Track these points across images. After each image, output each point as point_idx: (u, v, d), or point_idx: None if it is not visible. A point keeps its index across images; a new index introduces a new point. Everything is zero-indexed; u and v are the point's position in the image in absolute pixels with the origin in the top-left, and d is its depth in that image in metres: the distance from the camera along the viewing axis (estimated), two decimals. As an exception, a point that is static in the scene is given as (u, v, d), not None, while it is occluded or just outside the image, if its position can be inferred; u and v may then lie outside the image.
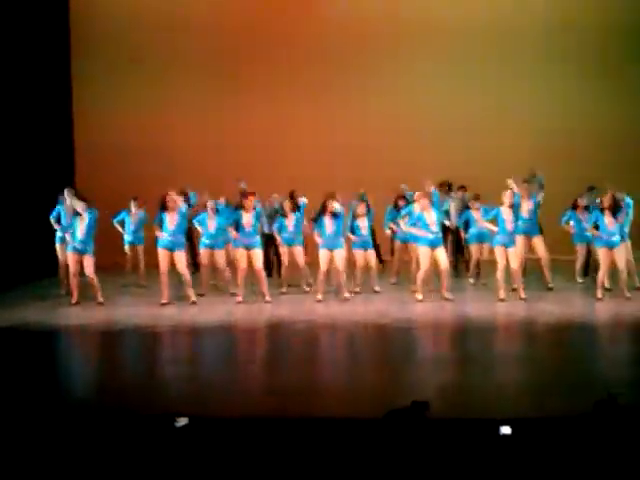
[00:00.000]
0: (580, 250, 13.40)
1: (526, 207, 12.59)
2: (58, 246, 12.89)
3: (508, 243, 12.06)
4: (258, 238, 12.37)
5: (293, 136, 16.85)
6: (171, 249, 11.99)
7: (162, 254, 12.00)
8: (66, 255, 12.40)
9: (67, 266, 12.44)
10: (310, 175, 15.46)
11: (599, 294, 11.95)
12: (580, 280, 13.50)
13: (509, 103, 16.80)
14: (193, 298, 12.12)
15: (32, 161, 15.00)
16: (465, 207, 13.46)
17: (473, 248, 13.49)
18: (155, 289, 12.84)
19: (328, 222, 12.24)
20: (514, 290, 12.27)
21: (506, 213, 12.06)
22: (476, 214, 13.06)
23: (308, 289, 13.06)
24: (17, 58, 14.71)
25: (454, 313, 11.50)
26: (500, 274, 12.06)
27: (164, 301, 12.07)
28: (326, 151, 16.68)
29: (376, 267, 13.20)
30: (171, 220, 11.97)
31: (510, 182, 12.14)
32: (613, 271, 12.21)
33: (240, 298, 12.19)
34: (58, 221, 12.84)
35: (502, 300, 11.98)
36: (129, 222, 13.70)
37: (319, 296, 12.24)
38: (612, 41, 16.55)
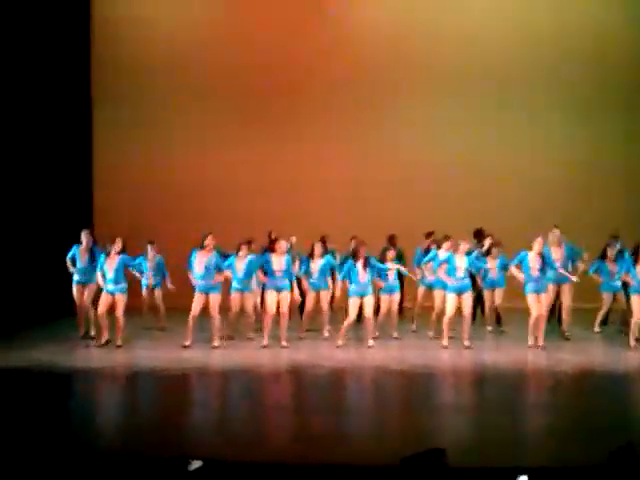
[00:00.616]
0: (607, 299, 13.29)
1: (558, 255, 12.56)
2: (75, 287, 12.91)
3: (540, 289, 12.03)
4: (288, 282, 12.38)
5: (317, 177, 16.84)
6: (206, 292, 12.03)
7: (197, 297, 12.07)
8: (82, 296, 12.61)
9: (83, 306, 12.68)
10: (324, 217, 15.68)
11: (633, 342, 11.90)
12: (598, 329, 13.39)
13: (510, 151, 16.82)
14: (216, 343, 12.11)
15: (51, 200, 15.12)
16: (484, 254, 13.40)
17: (486, 295, 13.41)
18: (174, 332, 12.91)
19: (361, 269, 12.20)
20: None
21: (534, 260, 12.03)
22: (490, 262, 13.04)
23: (328, 335, 13.00)
24: (40, 97, 14.91)
25: (473, 360, 11.44)
26: (531, 322, 12.03)
27: (187, 343, 12.11)
28: (348, 189, 16.73)
29: (397, 313, 13.17)
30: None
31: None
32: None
33: (266, 342, 12.21)
34: (73, 263, 12.87)
35: (531, 347, 12.02)
36: (146, 266, 13.72)
37: (340, 342, 12.19)
38: (595, 90, 16.61)
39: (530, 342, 12.08)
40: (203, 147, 16.99)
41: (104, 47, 16.71)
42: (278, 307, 12.21)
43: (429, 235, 13.83)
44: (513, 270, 12.24)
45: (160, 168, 16.85)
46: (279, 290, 12.21)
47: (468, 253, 12.52)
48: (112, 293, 12.07)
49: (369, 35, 16.90)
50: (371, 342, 12.26)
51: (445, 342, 12.14)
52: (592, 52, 16.57)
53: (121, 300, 12.08)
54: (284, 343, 12.24)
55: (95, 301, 12.63)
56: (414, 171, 16.65)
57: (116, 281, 12.05)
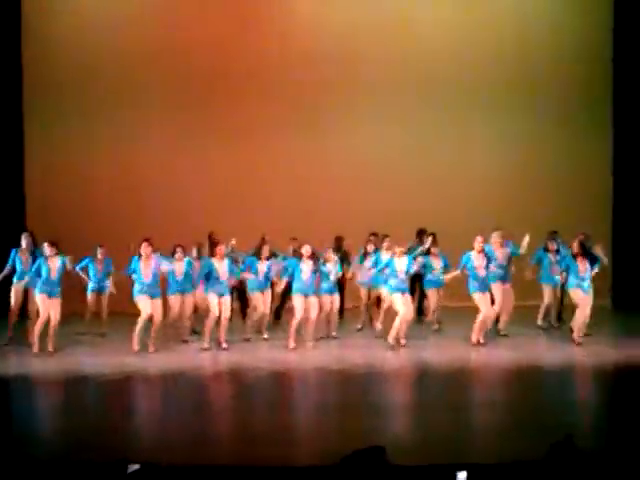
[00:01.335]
0: (547, 292, 13.35)
1: (501, 255, 12.68)
2: (14, 290, 12.65)
3: (485, 289, 12.15)
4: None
5: (262, 179, 16.69)
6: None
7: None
8: (19, 299, 12.43)
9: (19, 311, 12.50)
10: (280, 220, 15.46)
11: (577, 337, 12.07)
12: (540, 323, 13.50)
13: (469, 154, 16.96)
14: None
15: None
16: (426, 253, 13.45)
17: (430, 294, 13.48)
18: (114, 337, 12.79)
19: (305, 269, 12.20)
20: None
21: (478, 259, 12.15)
22: (434, 261, 13.14)
23: (267, 336, 12.99)
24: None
25: (414, 359, 11.51)
26: (479, 319, 12.10)
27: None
28: (297, 196, 16.56)
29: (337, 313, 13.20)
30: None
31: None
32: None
33: (207, 345, 12.16)
34: (14, 267, 12.62)
35: (476, 345, 12.07)
36: (94, 269, 13.52)
37: (292, 344, 12.13)
38: (568, 91, 16.79)
39: (474, 340, 12.14)
40: (144, 145, 16.54)
41: (36, 44, 16.21)
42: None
43: (372, 235, 13.84)
44: (454, 274, 12.34)
45: (97, 167, 16.43)
46: (221, 295, 12.15)
47: (410, 251, 12.61)
48: (49, 296, 11.85)
49: (320, 32, 16.75)
50: (310, 343, 12.24)
51: (403, 341, 12.20)
52: (537, 53, 16.77)
53: (57, 304, 11.89)
54: (224, 345, 12.17)
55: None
56: (362, 170, 16.60)
57: (55, 284, 11.88)
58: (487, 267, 12.20)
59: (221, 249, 12.28)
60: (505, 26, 16.83)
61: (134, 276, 11.99)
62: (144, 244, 11.95)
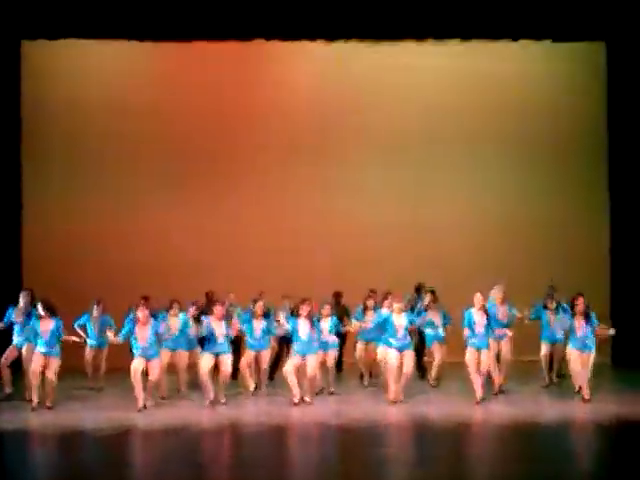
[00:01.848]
0: (544, 349, 13.35)
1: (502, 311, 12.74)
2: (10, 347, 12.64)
3: (481, 345, 12.10)
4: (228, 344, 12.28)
5: (255, 234, 16.82)
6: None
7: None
8: (9, 356, 12.50)
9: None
10: (274, 275, 15.61)
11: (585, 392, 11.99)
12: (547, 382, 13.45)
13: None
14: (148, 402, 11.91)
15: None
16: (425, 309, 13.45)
17: (434, 348, 13.44)
18: (111, 392, 12.77)
19: (303, 327, 12.14)
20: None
21: (478, 316, 12.14)
22: (434, 317, 13.14)
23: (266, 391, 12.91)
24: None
25: (413, 414, 11.42)
26: (474, 375, 12.05)
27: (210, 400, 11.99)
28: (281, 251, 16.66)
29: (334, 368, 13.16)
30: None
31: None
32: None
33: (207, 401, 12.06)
34: (10, 325, 12.61)
35: (480, 401, 11.96)
36: (91, 325, 13.51)
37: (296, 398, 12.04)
38: (565, 146, 17.07)
39: (478, 397, 12.00)
40: (139, 203, 16.79)
41: (35, 108, 16.44)
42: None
43: (371, 292, 13.84)
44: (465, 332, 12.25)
45: (93, 225, 16.60)
46: (218, 354, 12.06)
47: (412, 308, 12.61)
48: (45, 355, 11.86)
49: (315, 86, 17.10)
50: (307, 398, 12.13)
51: (391, 396, 12.06)
52: (517, 109, 17.10)
53: (54, 362, 11.87)
54: (223, 400, 12.10)
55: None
56: (357, 224, 16.81)
57: (50, 343, 11.85)
58: (488, 325, 12.16)
59: (219, 310, 12.21)
60: (504, 82, 17.18)
61: (131, 339, 11.92)
62: (140, 307, 11.92)
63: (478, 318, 12.11)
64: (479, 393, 11.97)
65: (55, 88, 16.78)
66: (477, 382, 12.00)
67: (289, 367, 12.06)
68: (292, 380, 11.98)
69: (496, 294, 12.71)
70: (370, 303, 13.43)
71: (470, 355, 12.07)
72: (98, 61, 16.79)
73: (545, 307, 13.31)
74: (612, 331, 12.31)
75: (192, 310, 13.11)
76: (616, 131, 16.73)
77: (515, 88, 17.13)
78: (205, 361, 12.03)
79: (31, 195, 16.44)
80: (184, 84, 16.90)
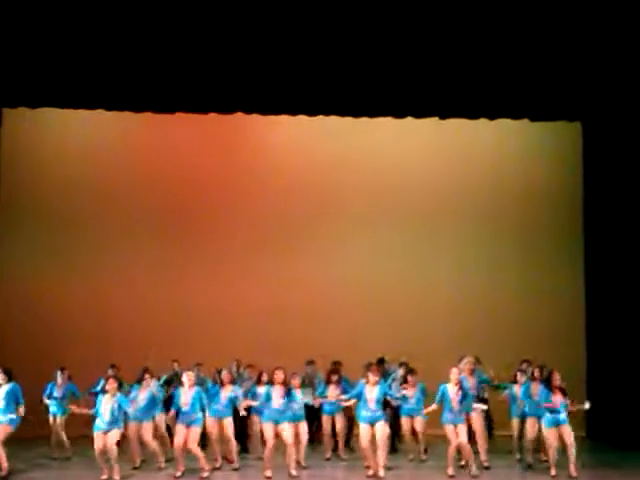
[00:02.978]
0: (515, 425, 13.10)
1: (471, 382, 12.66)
2: None
3: (457, 420, 11.95)
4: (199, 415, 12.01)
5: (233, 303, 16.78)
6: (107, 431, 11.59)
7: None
8: None
9: None
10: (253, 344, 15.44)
11: (553, 472, 11.84)
12: (518, 456, 13.20)
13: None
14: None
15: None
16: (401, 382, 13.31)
17: (405, 422, 13.22)
18: (78, 461, 12.53)
19: (276, 395, 11.94)
20: (462, 467, 12.16)
21: (453, 391, 12.01)
22: (409, 390, 12.99)
23: (238, 465, 12.61)
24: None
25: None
26: (450, 451, 11.91)
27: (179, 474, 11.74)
28: (263, 315, 16.64)
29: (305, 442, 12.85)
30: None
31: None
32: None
33: (179, 473, 11.80)
34: None
35: (451, 477, 11.78)
36: (55, 392, 13.28)
37: (268, 472, 11.75)
38: (538, 222, 17.33)
39: (450, 471, 11.87)
40: (114, 271, 16.76)
41: (14, 168, 16.49)
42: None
43: (334, 364, 13.79)
44: (432, 407, 12.13)
45: (68, 296, 16.51)
46: (189, 425, 11.80)
47: (386, 379, 12.55)
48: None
49: (302, 162, 17.30)
50: (294, 471, 11.89)
51: (370, 472, 11.80)
52: (495, 186, 17.41)
53: (4, 429, 11.64)
54: (205, 474, 11.77)
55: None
56: (334, 297, 16.87)
57: (4, 411, 11.66)
58: (462, 400, 12.03)
59: (189, 378, 11.99)
60: (481, 159, 17.53)
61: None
62: (110, 380, 11.73)
63: (453, 394, 11.99)
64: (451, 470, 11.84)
65: (36, 156, 16.87)
66: (453, 457, 11.88)
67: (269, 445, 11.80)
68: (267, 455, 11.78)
69: (465, 365, 12.60)
70: (334, 378, 13.25)
71: (449, 432, 11.91)
72: (78, 130, 16.90)
73: (514, 381, 13.08)
74: (587, 405, 12.18)
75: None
76: (592, 208, 16.94)
77: (493, 165, 17.47)
78: (180, 431, 11.78)
79: (5, 262, 16.33)
80: (165, 154, 17.07)
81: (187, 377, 11.98)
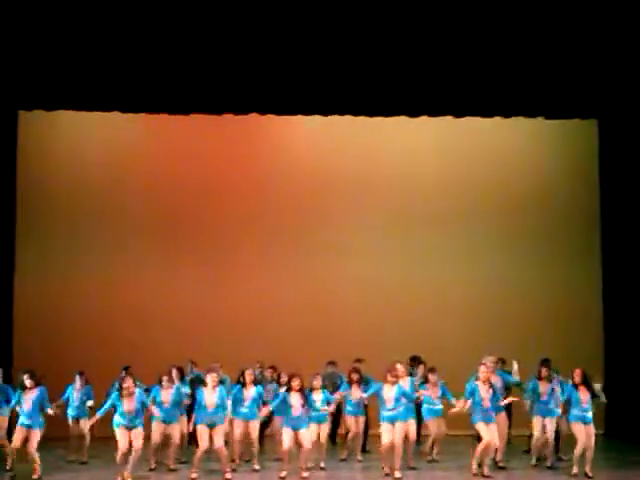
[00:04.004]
0: (536, 424, 12.64)
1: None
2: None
3: (489, 419, 11.85)
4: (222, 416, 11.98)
5: (244, 308, 16.72)
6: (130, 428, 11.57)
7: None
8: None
9: None
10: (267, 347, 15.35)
11: (575, 470, 11.78)
12: (534, 462, 12.89)
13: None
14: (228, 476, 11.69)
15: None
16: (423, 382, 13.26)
17: (429, 424, 13.21)
18: (96, 464, 12.50)
19: (294, 400, 11.86)
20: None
21: (484, 390, 11.91)
22: (432, 390, 12.96)
23: (258, 467, 12.55)
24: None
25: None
26: (481, 447, 11.75)
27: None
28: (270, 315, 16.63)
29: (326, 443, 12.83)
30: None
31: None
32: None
33: (194, 475, 11.73)
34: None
35: (476, 475, 11.68)
36: (73, 396, 13.27)
37: (283, 473, 11.74)
38: (557, 220, 17.28)
39: (474, 470, 11.77)
40: (129, 273, 16.77)
41: (30, 172, 16.48)
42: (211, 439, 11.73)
43: (356, 361, 13.69)
44: (460, 406, 11.99)
45: (81, 297, 16.54)
46: (213, 425, 11.76)
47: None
48: (27, 427, 11.64)
49: (299, 161, 17.23)
50: (305, 474, 11.80)
51: (386, 469, 11.76)
52: (511, 184, 17.35)
53: (36, 434, 11.63)
54: (228, 476, 11.73)
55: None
56: (350, 297, 16.83)
57: (31, 415, 11.65)
58: (493, 398, 11.92)
59: (214, 378, 11.94)
60: (497, 158, 17.49)
61: (115, 408, 11.62)
62: (126, 378, 11.67)
63: (484, 393, 11.86)
64: (484, 469, 11.76)
65: (51, 158, 16.90)
66: (482, 455, 11.77)
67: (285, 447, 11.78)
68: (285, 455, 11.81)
69: (488, 365, 12.46)
70: (355, 377, 13.12)
71: (482, 427, 11.75)
72: (93, 132, 16.92)
73: (539, 378, 12.75)
74: (602, 397, 12.13)
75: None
76: (608, 206, 16.89)
77: (507, 164, 17.38)
78: (203, 433, 11.71)
79: (24, 265, 16.33)
80: (180, 156, 17.02)
81: (211, 378, 11.93)
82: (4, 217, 15.97)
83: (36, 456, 11.63)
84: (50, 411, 11.81)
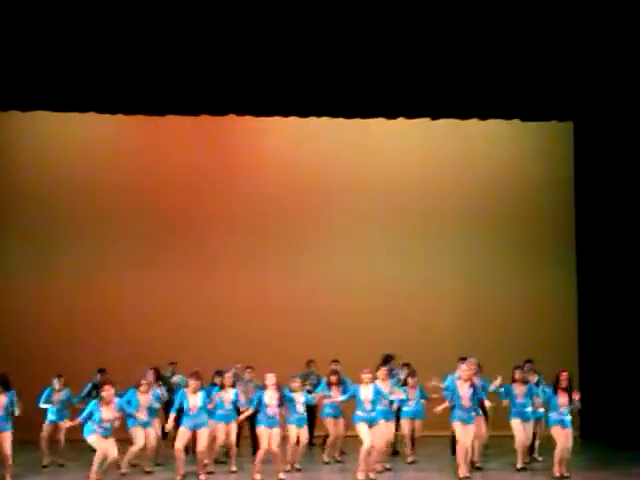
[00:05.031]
0: (515, 426, 12.55)
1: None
2: None
3: (468, 420, 11.88)
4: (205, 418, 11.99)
5: (226, 309, 16.74)
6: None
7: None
8: None
9: None
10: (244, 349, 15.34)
11: (557, 471, 11.87)
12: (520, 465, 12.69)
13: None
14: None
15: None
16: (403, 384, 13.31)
17: (404, 424, 13.28)
18: (72, 467, 12.47)
19: (270, 399, 11.83)
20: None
21: (464, 389, 11.93)
22: (410, 392, 13.07)
23: (235, 468, 12.56)
24: None
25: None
26: (460, 450, 11.80)
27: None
28: (259, 316, 16.68)
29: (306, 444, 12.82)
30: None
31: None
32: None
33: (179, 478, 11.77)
34: None
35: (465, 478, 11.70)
36: (52, 399, 13.14)
37: (258, 476, 11.74)
38: (533, 221, 17.42)
39: (462, 473, 11.72)
40: (108, 274, 16.75)
41: (6, 172, 16.56)
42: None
43: (333, 362, 13.84)
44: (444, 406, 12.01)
45: (59, 297, 16.51)
46: (195, 428, 11.80)
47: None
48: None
49: (290, 162, 17.29)
50: (282, 475, 11.83)
51: (360, 476, 11.66)
52: (486, 187, 17.50)
53: (7, 437, 11.62)
54: (202, 477, 11.80)
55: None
56: (332, 297, 16.94)
57: (5, 419, 11.64)
58: (473, 397, 11.91)
59: (196, 384, 11.93)
60: (473, 160, 17.55)
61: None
62: (106, 387, 11.51)
63: (463, 391, 11.89)
64: (462, 471, 11.75)
65: (26, 159, 16.82)
66: (460, 457, 11.78)
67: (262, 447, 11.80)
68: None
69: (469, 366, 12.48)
70: (333, 378, 13.08)
71: (458, 430, 11.80)
72: (69, 133, 16.85)
73: (513, 380, 12.69)
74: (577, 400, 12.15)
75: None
76: (583, 208, 17.03)
77: (484, 166, 17.48)
78: (184, 435, 11.80)
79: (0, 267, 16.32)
80: (158, 156, 17.02)
81: (193, 382, 11.94)
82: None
83: (10, 460, 11.58)
84: (17, 412, 11.78)
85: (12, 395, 11.75)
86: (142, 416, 12.10)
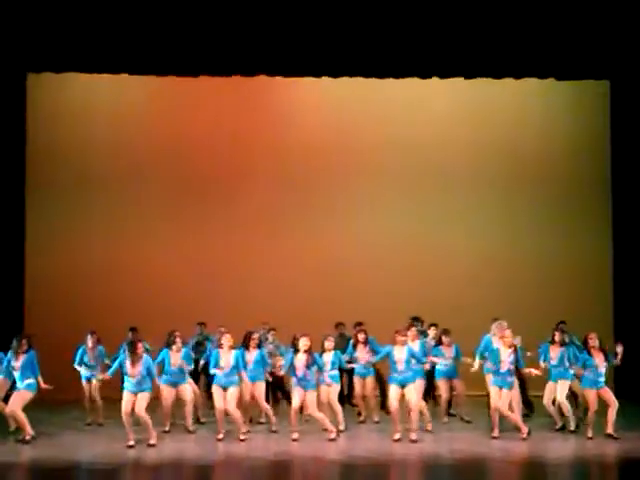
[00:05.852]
0: (549, 388, 12.54)
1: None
2: None
3: (504, 384, 11.86)
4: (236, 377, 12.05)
5: (257, 266, 16.80)
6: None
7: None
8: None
9: None
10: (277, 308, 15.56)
11: (590, 433, 11.85)
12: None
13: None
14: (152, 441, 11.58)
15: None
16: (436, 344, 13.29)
17: (441, 385, 13.27)
18: (110, 425, 12.57)
19: (300, 362, 11.88)
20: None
21: (506, 354, 11.91)
22: (446, 351, 13.02)
23: (275, 428, 12.61)
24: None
25: (417, 452, 11.09)
26: (493, 413, 11.87)
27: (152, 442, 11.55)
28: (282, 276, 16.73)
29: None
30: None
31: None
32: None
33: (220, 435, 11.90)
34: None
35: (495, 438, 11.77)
36: (86, 357, 13.27)
37: (295, 435, 11.86)
38: (567, 183, 17.21)
39: (495, 433, 11.85)
40: (143, 236, 16.84)
41: (39, 133, 16.46)
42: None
43: (358, 325, 13.72)
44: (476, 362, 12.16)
45: (94, 258, 16.62)
46: (226, 386, 11.87)
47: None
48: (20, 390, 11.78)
49: (321, 121, 17.18)
50: (333, 435, 11.86)
51: (397, 435, 11.71)
52: (521, 147, 17.25)
53: (25, 396, 11.72)
54: (243, 437, 11.86)
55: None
56: (355, 259, 16.87)
57: (22, 378, 11.75)
58: (513, 363, 11.84)
59: (229, 339, 12.03)
60: (507, 120, 17.31)
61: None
62: (137, 344, 11.66)
63: (505, 356, 11.87)
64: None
65: (60, 121, 16.81)
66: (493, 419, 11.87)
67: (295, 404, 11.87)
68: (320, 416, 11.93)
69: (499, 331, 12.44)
70: (362, 337, 13.06)
71: (494, 394, 11.84)
72: (102, 94, 16.85)
73: (552, 342, 12.60)
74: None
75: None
76: (619, 168, 16.79)
77: (517, 126, 17.24)
78: (217, 393, 11.89)
79: (34, 227, 16.43)
80: (188, 117, 16.97)
81: (226, 339, 12.04)
82: (14, 181, 15.97)
83: (22, 416, 11.66)
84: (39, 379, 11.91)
85: (32, 355, 11.84)
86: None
